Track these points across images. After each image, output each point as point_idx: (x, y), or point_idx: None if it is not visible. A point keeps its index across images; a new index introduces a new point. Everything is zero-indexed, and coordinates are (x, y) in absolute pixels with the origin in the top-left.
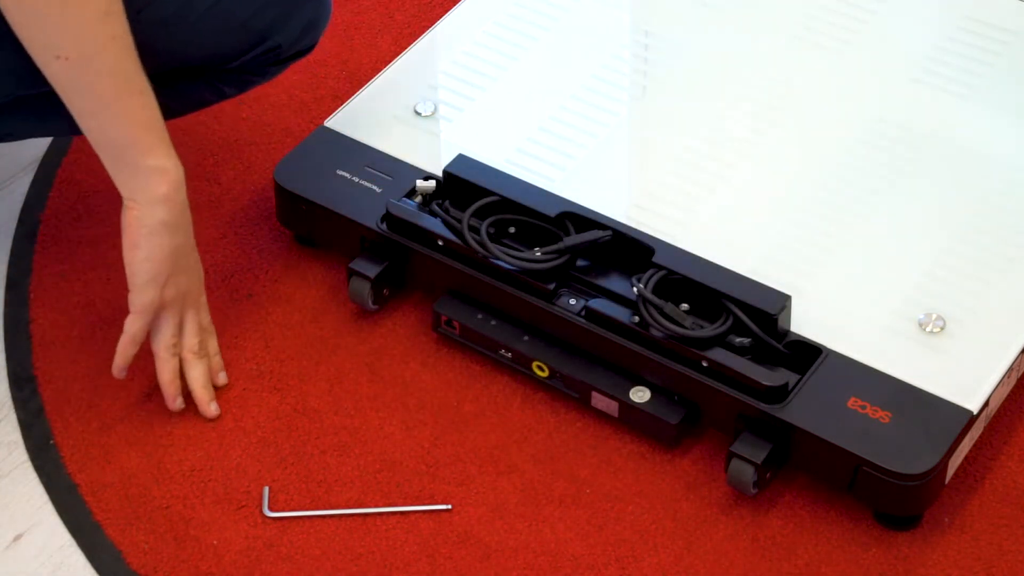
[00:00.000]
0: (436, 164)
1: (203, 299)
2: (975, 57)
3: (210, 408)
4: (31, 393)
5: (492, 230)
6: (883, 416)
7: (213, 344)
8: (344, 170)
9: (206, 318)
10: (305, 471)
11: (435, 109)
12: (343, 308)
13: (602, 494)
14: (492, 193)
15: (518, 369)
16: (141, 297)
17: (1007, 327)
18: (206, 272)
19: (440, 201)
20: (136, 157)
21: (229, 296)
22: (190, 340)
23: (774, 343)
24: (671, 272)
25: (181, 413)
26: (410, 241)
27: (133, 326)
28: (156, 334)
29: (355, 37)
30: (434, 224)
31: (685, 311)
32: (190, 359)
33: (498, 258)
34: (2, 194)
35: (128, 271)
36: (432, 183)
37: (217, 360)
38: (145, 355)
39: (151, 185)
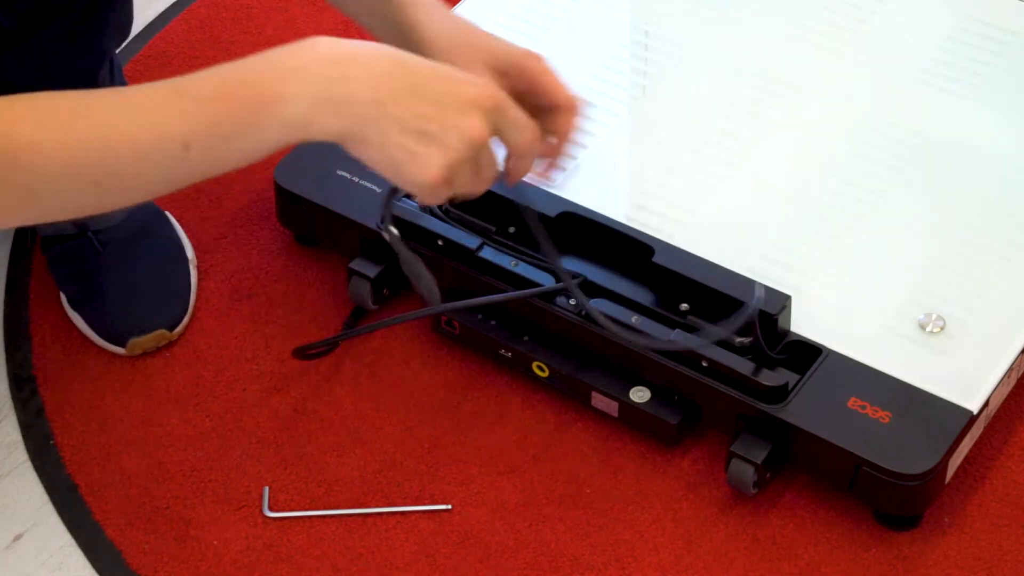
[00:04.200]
0: None
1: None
2: (976, 57)
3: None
4: (31, 393)
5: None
6: (883, 416)
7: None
8: (344, 170)
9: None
10: (305, 471)
11: None
12: (343, 308)
13: (602, 494)
14: (491, 192)
15: (518, 369)
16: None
17: (1007, 327)
18: (206, 272)
19: None
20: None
21: (229, 296)
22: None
23: (767, 350)
24: (671, 272)
25: (181, 413)
26: (410, 241)
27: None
28: None
29: (355, 37)
30: (434, 224)
31: (685, 311)
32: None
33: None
34: None
35: None
36: None
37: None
38: (147, 356)
39: (297, 131)
